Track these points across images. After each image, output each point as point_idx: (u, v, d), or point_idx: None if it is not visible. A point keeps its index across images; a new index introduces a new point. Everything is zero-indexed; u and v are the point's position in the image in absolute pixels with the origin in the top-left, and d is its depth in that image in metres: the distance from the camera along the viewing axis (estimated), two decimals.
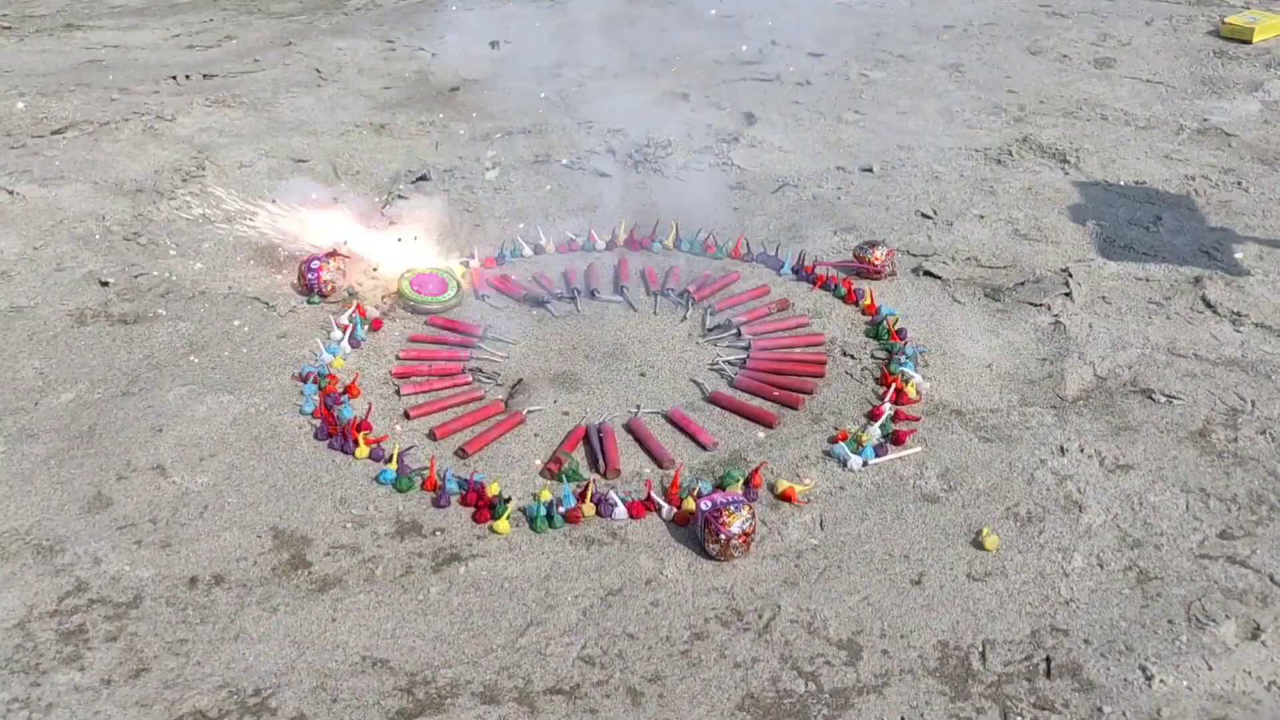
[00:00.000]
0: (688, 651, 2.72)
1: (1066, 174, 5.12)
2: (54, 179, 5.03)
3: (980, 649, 2.72)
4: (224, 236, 4.58)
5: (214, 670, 2.67)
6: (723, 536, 2.94)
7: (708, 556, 2.98)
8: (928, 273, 4.32)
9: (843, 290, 4.15)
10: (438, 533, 3.08)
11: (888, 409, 3.49)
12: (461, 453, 3.37)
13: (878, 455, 3.33)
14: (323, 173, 5.16)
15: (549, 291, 4.18)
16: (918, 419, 3.50)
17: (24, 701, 2.59)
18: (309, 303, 4.14)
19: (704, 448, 3.41)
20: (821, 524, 3.12)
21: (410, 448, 3.37)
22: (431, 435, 3.45)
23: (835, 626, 2.79)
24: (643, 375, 3.73)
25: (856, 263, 4.27)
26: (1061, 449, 3.38)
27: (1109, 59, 6.49)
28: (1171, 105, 5.83)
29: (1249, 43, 6.56)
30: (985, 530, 3.03)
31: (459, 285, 4.16)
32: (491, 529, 3.07)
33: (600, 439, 3.39)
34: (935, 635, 2.76)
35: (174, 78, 6.31)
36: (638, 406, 3.57)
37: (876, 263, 4.24)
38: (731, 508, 2.96)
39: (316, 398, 3.57)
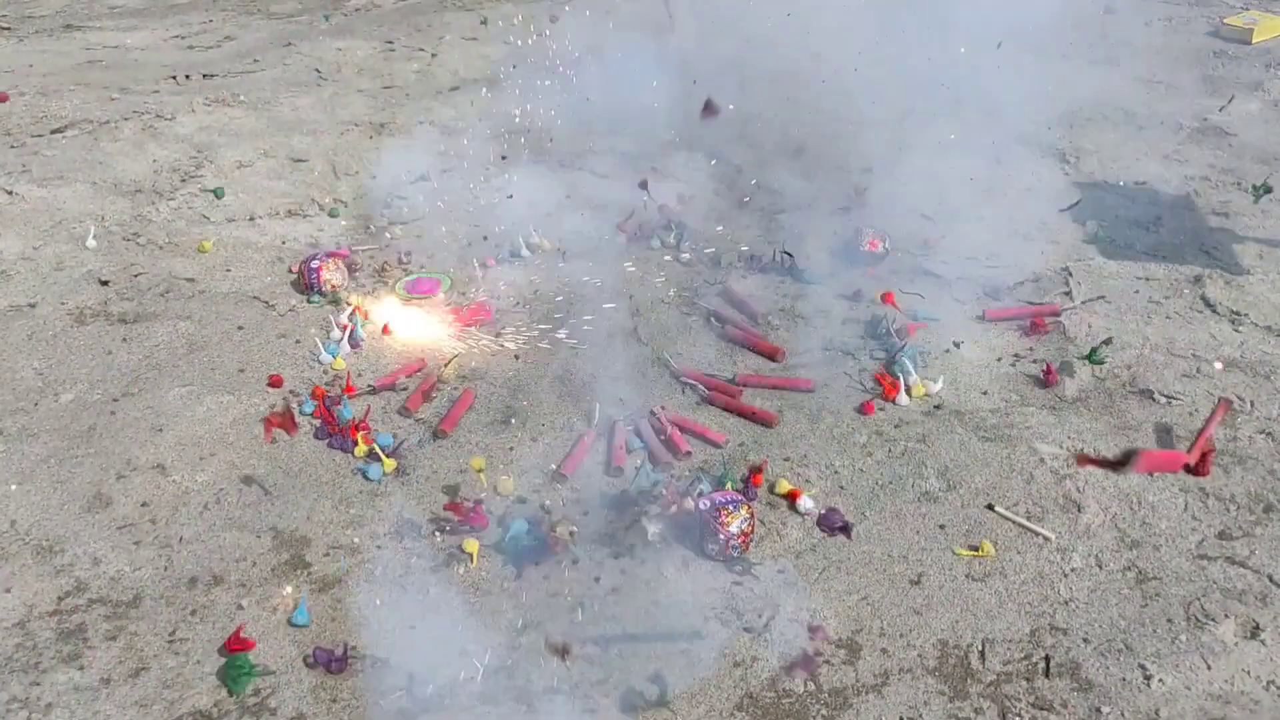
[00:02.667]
0: (687, 650, 2.72)
1: (1066, 174, 5.12)
2: (53, 179, 5.03)
3: (979, 648, 2.72)
4: (224, 236, 4.59)
5: (213, 670, 2.67)
6: (721, 537, 2.93)
7: (707, 557, 2.98)
8: (928, 271, 4.31)
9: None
10: (436, 534, 3.08)
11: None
12: (440, 433, 3.41)
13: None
14: (322, 172, 5.17)
15: None
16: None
17: (23, 701, 2.59)
18: (309, 302, 4.14)
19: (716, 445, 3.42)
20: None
21: (404, 441, 3.39)
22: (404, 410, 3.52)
23: (834, 626, 2.79)
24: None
25: (857, 251, 4.32)
26: (1061, 448, 3.37)
27: (1109, 58, 6.48)
28: (1171, 105, 5.83)
29: (1248, 43, 6.56)
30: (984, 543, 3.03)
31: (451, 281, 4.20)
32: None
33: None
34: (934, 635, 2.76)
35: (174, 77, 6.31)
36: (663, 406, 3.56)
37: (874, 249, 4.30)
38: (730, 508, 2.96)
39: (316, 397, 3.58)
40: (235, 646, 2.67)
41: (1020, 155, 5.26)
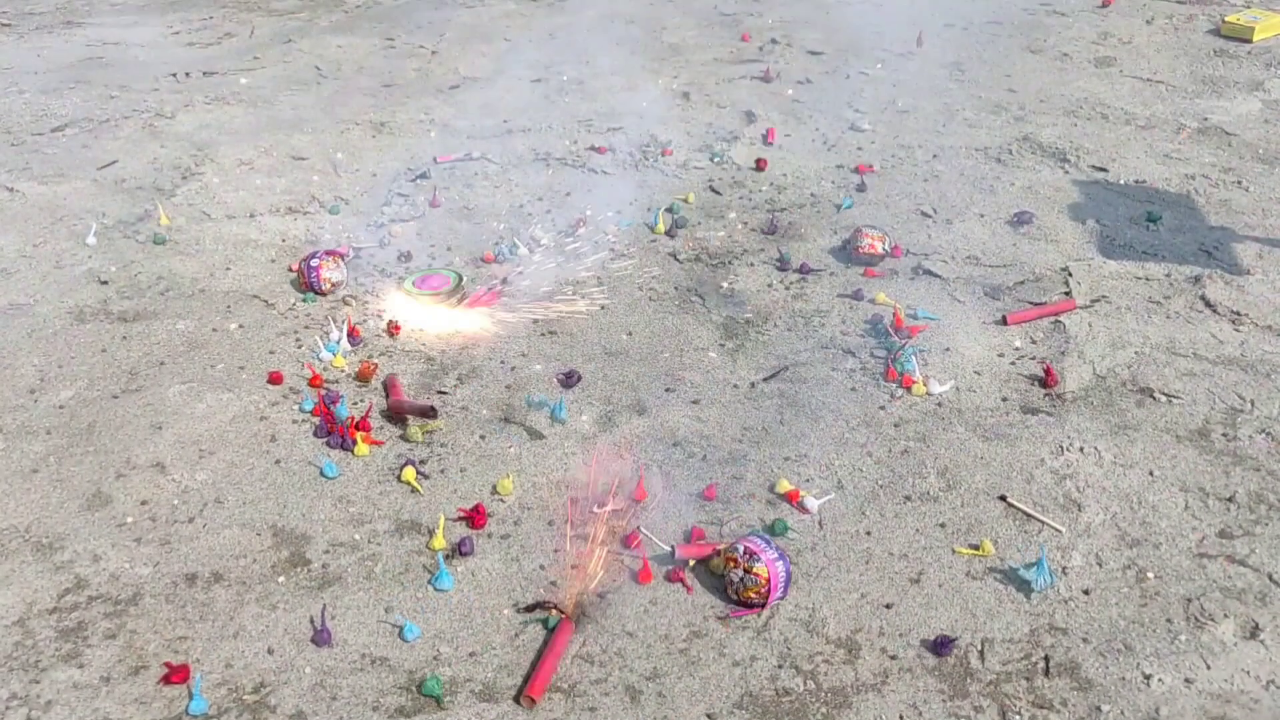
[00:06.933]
0: (686, 650, 2.72)
1: (1066, 173, 5.12)
2: (53, 176, 5.03)
3: (979, 647, 2.73)
4: (224, 233, 4.59)
5: (213, 668, 2.67)
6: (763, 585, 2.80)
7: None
8: (928, 271, 4.32)
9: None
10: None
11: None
12: (431, 412, 3.45)
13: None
14: (323, 170, 5.16)
15: None
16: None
17: (23, 699, 2.59)
18: (305, 300, 4.14)
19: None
20: (820, 523, 3.12)
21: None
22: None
23: (834, 625, 2.79)
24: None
25: (856, 253, 4.34)
26: (1061, 448, 3.38)
27: (1109, 58, 6.48)
28: (1172, 104, 5.83)
29: (1249, 42, 6.56)
30: (984, 542, 3.03)
31: (459, 276, 4.20)
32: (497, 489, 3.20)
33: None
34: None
35: (174, 75, 6.31)
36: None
37: (874, 250, 4.30)
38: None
39: (316, 395, 3.58)
40: (176, 679, 2.63)
41: (1021, 153, 5.27)
